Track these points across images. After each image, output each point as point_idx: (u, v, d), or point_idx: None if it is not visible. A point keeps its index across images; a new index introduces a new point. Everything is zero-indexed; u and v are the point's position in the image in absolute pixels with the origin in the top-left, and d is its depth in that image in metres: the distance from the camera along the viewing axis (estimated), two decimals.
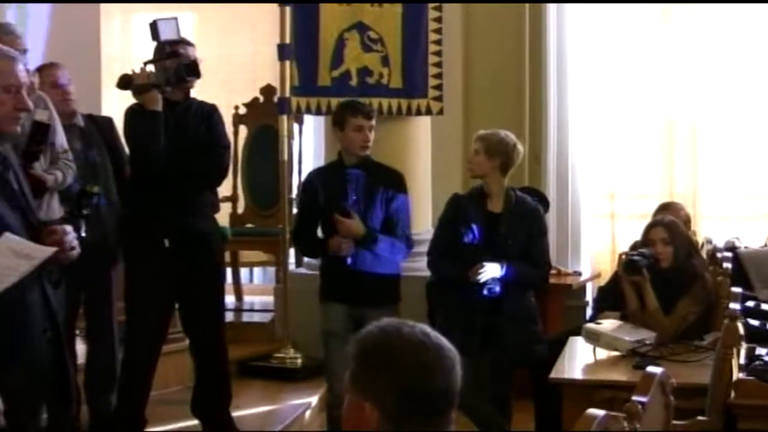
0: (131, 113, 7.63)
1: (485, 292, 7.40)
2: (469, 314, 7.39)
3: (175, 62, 7.55)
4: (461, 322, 7.26)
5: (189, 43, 7.87)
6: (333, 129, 7.87)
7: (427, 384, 3.23)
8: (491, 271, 7.37)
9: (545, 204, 8.57)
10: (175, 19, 7.82)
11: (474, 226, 7.55)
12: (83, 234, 7.30)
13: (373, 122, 7.67)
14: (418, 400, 3.23)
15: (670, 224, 8.05)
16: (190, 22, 10.63)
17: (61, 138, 7.48)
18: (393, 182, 7.79)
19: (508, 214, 7.63)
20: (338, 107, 8.00)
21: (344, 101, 8.16)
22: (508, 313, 7.49)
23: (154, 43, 7.72)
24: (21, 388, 4.68)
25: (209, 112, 7.86)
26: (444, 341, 3.31)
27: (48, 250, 4.45)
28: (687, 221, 8.91)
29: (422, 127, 10.59)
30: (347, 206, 7.52)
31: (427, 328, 3.32)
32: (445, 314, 7.56)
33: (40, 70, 8.09)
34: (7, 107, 4.77)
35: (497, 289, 7.41)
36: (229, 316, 10.55)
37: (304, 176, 11.07)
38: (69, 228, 4.81)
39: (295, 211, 10.39)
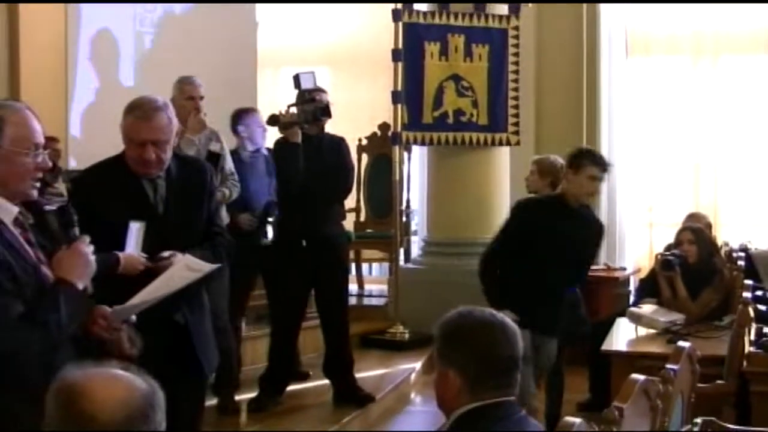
0: (278, 145, 7.68)
1: None
2: None
3: (312, 106, 7.58)
4: None
5: (323, 91, 7.89)
6: (567, 169, 6.78)
7: (497, 351, 3.27)
8: None
9: None
10: (313, 72, 7.87)
11: None
12: (270, 238, 7.50)
13: (606, 176, 6.88)
14: (491, 364, 3.26)
15: (696, 229, 8.02)
16: (325, 75, 10.70)
17: (229, 164, 7.55)
18: (596, 224, 7.09)
19: None
20: (579, 151, 6.81)
21: (585, 149, 7.09)
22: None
23: (296, 91, 7.80)
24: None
25: (338, 143, 7.85)
26: (507, 319, 3.33)
27: (212, 266, 4.50)
28: (708, 227, 8.82)
29: (503, 155, 10.61)
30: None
31: (493, 311, 3.38)
32: None
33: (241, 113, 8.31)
34: (135, 155, 4.70)
35: None
36: (353, 301, 10.52)
37: (411, 193, 11.16)
38: None
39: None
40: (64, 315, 3.28)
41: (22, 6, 9.24)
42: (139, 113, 4.71)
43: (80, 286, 3.41)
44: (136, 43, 9.97)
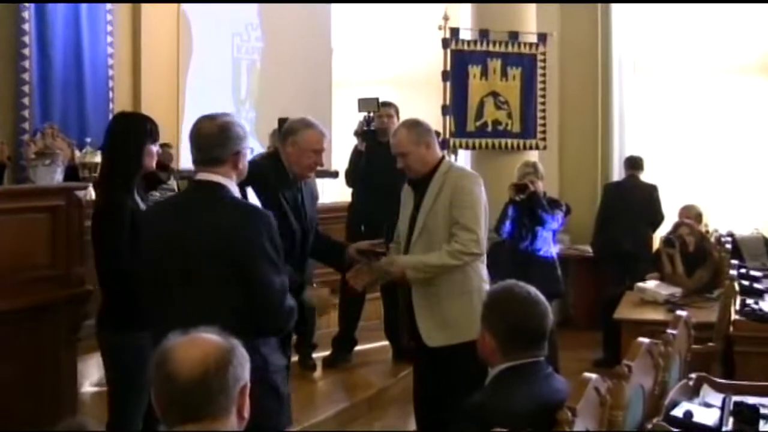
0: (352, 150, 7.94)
1: None
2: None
3: (367, 127, 7.84)
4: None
5: (388, 105, 7.96)
6: None
7: (526, 323, 3.23)
8: None
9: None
10: (377, 98, 7.91)
11: None
12: None
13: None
14: (520, 332, 3.22)
15: (689, 224, 8.05)
16: (388, 92, 10.54)
17: None
18: None
19: None
20: None
21: None
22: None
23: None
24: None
25: None
26: (541, 297, 3.30)
27: None
28: (699, 216, 8.70)
29: (533, 157, 10.48)
30: None
31: (531, 288, 3.32)
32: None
33: None
34: (310, 161, 4.72)
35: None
36: None
37: None
38: None
39: None
40: None
41: (144, 32, 9.29)
42: (319, 128, 4.79)
43: None
44: (234, 68, 10.01)
